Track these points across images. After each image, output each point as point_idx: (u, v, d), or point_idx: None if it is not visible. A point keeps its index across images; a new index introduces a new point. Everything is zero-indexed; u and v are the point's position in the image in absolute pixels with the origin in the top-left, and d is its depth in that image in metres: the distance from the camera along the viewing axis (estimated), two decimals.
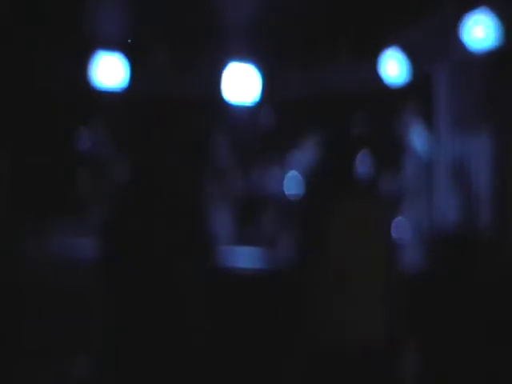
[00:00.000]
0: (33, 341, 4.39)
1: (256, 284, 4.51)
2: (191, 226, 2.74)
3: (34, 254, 5.14)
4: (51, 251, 5.55)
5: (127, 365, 2.70)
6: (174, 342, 2.64)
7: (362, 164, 3.14)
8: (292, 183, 8.71)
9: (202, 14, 8.86)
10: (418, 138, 6.87)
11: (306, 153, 9.49)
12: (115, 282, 2.72)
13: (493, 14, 6.90)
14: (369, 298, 2.78)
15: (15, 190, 8.46)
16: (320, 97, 10.80)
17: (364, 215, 2.82)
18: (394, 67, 9.17)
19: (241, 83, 10.55)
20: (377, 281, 2.82)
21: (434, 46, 8.41)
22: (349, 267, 2.74)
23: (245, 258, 7.26)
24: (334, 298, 2.75)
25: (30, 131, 9.10)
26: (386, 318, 2.83)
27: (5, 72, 8.60)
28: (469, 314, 4.16)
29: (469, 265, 6.82)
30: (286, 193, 8.67)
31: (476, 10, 7.10)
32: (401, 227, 6.36)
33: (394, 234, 3.09)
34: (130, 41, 10.31)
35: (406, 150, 6.61)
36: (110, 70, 9.83)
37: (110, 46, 9.89)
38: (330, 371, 2.74)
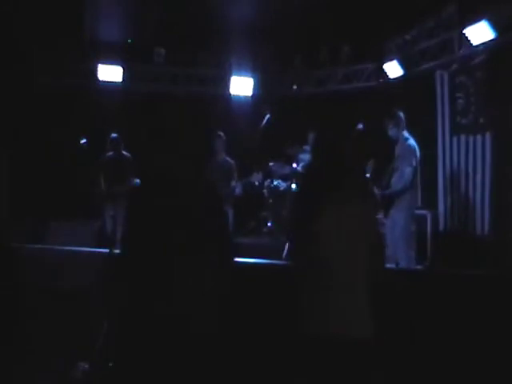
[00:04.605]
0: (33, 341, 4.40)
1: (257, 277, 4.51)
2: (200, 222, 2.75)
3: (35, 254, 5.14)
4: (51, 251, 5.56)
5: (131, 364, 2.70)
6: (182, 339, 2.65)
7: (358, 160, 3.13)
8: (293, 178, 8.74)
9: (204, 13, 8.89)
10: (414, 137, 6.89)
11: (307, 150, 9.52)
12: (127, 280, 2.73)
13: (492, 15, 6.91)
14: (355, 291, 2.79)
15: (14, 189, 8.47)
16: (320, 96, 10.84)
17: (353, 209, 2.81)
18: (393, 67, 9.20)
19: (242, 82, 10.60)
20: (363, 274, 2.83)
21: (435, 46, 8.43)
22: (336, 261, 2.76)
23: (246, 252, 7.24)
24: (320, 291, 2.76)
25: (30, 131, 9.11)
26: (371, 313, 2.84)
27: (5, 72, 8.61)
28: (467, 312, 4.16)
29: (467, 263, 6.83)
30: (288, 188, 8.69)
31: (476, 11, 7.11)
32: (396, 223, 6.35)
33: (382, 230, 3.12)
34: (130, 41, 10.34)
35: (405, 147, 6.62)
36: (110, 70, 9.86)
37: (111, 45, 9.92)
38: (320, 363, 2.76)
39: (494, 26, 6.89)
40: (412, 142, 6.47)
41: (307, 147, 9.64)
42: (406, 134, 6.53)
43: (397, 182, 6.41)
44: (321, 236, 2.79)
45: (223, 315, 2.84)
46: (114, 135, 7.96)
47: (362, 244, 2.84)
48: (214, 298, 2.79)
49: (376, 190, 6.25)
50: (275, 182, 8.92)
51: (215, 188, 3.00)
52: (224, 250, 2.91)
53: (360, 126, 7.11)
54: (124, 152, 7.94)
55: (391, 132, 6.57)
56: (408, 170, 6.35)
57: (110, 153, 7.93)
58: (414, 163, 6.39)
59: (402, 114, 6.60)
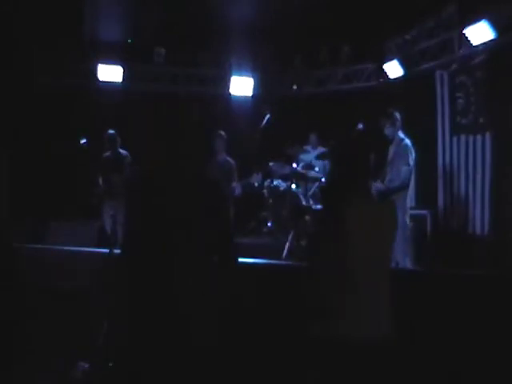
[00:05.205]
0: (33, 341, 4.40)
1: (257, 277, 4.52)
2: (200, 222, 2.75)
3: (35, 254, 5.14)
4: (51, 251, 5.56)
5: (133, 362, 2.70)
6: (182, 338, 2.65)
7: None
8: (293, 178, 8.73)
9: (204, 13, 8.87)
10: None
11: (307, 150, 9.52)
12: (128, 279, 2.73)
13: (492, 15, 6.91)
14: (376, 292, 2.79)
15: (14, 189, 8.46)
16: (320, 96, 10.84)
17: (375, 215, 2.82)
18: (393, 67, 9.20)
19: (242, 82, 10.60)
20: (382, 274, 2.84)
21: (435, 46, 8.43)
22: (358, 264, 2.75)
23: (246, 252, 7.22)
24: (343, 293, 2.75)
25: (30, 131, 9.11)
26: (390, 316, 2.84)
27: (5, 72, 8.60)
28: (467, 312, 4.16)
29: (467, 263, 6.82)
30: (288, 188, 8.67)
31: (476, 11, 7.10)
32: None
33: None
34: (130, 41, 10.34)
35: (401, 147, 6.65)
36: (110, 70, 9.86)
37: (111, 45, 9.92)
38: (336, 365, 2.75)
39: (494, 25, 6.89)
40: (408, 141, 6.53)
41: (307, 147, 9.64)
42: (401, 134, 6.59)
43: (393, 180, 6.43)
44: (342, 238, 2.78)
45: (223, 315, 2.84)
46: (110, 132, 7.93)
47: (381, 244, 2.85)
48: (214, 298, 2.79)
49: (373, 186, 6.27)
50: (275, 182, 8.91)
51: (218, 187, 2.98)
52: (225, 250, 2.91)
53: (360, 125, 7.12)
54: (121, 150, 7.91)
55: (388, 132, 6.62)
56: (405, 169, 6.41)
57: (108, 153, 7.91)
58: (410, 162, 6.45)
59: (397, 114, 6.63)
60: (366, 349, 2.76)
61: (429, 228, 7.76)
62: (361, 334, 2.77)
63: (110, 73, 9.89)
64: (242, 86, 10.49)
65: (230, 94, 10.51)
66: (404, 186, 6.44)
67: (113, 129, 8.07)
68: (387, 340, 2.81)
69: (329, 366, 2.79)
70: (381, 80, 9.83)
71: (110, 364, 2.88)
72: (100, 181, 7.77)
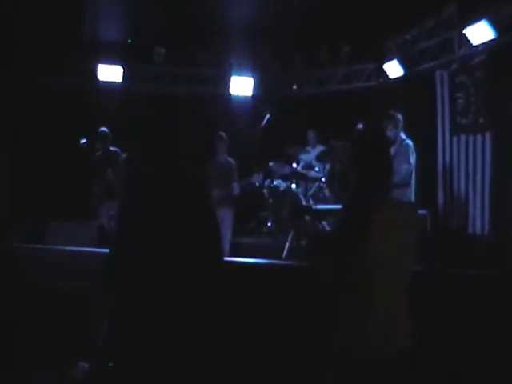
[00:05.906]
0: (33, 341, 4.40)
1: (257, 277, 4.52)
2: (200, 222, 2.75)
3: (35, 254, 5.14)
4: (51, 251, 5.55)
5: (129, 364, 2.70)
6: (179, 342, 2.65)
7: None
8: (293, 178, 8.74)
9: (204, 13, 8.88)
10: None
11: (307, 150, 9.52)
12: (123, 280, 2.73)
13: (492, 15, 6.91)
14: (396, 302, 2.75)
15: (14, 189, 8.46)
16: (320, 96, 10.83)
17: (398, 218, 2.78)
18: (393, 67, 9.20)
19: (242, 82, 10.59)
20: (403, 287, 2.80)
21: (435, 46, 8.43)
22: (377, 265, 2.71)
23: (246, 252, 7.27)
24: (364, 304, 2.71)
25: (30, 131, 9.11)
26: (411, 326, 2.79)
27: (5, 72, 8.60)
28: (467, 312, 4.16)
29: (467, 263, 6.82)
30: (288, 188, 8.68)
31: (476, 11, 7.11)
32: None
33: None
34: (130, 41, 10.34)
35: (402, 147, 6.68)
36: (110, 70, 9.87)
37: (111, 45, 9.92)
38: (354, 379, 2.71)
39: (494, 25, 6.90)
40: (409, 142, 6.60)
41: (307, 147, 9.64)
42: (403, 135, 6.65)
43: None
44: (365, 247, 2.74)
45: (222, 316, 2.84)
46: (103, 129, 7.90)
47: (401, 248, 2.81)
48: (214, 298, 2.79)
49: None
50: (275, 182, 8.92)
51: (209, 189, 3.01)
52: (220, 251, 2.92)
53: (360, 125, 7.13)
54: (112, 148, 7.87)
55: (390, 133, 6.66)
56: (405, 167, 6.46)
57: (100, 152, 7.89)
58: (411, 161, 6.50)
59: (400, 116, 6.67)
60: (381, 362, 2.71)
61: (429, 228, 7.76)
62: (380, 347, 2.72)
63: (110, 73, 9.90)
64: (242, 85, 10.49)
65: (230, 94, 10.51)
66: (403, 183, 6.48)
67: (113, 128, 8.06)
68: (401, 353, 2.76)
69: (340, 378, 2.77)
70: (381, 80, 9.83)
71: (110, 364, 2.88)
72: (97, 181, 7.77)
